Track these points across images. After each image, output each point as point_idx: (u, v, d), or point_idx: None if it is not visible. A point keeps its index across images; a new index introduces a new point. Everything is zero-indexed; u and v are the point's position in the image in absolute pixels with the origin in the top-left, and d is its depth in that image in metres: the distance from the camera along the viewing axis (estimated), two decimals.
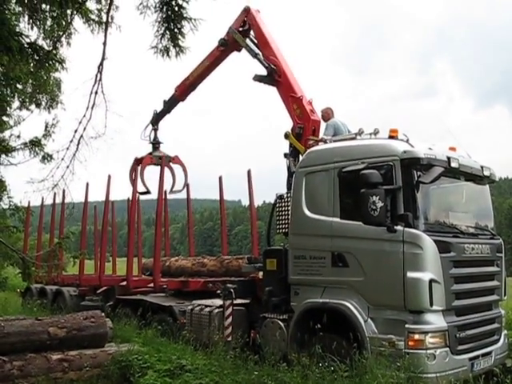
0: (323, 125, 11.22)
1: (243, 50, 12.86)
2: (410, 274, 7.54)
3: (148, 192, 14.47)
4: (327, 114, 11.29)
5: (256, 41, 12.73)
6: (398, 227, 7.73)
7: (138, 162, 14.87)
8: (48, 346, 8.64)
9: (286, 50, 12.36)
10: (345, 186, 8.52)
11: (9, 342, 8.30)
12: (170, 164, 15.40)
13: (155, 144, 14.90)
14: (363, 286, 8.06)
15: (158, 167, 13.87)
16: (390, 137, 8.53)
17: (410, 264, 7.58)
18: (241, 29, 12.79)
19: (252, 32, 12.82)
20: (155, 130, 15.23)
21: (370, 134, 9.22)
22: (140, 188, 14.59)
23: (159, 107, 15.20)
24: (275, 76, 11.86)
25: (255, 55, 12.37)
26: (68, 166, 7.88)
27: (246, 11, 12.73)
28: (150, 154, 14.74)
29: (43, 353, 8.45)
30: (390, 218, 7.78)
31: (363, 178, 7.82)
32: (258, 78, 12.14)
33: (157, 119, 15.28)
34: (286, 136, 11.09)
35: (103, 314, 9.84)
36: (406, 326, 7.47)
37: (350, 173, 8.34)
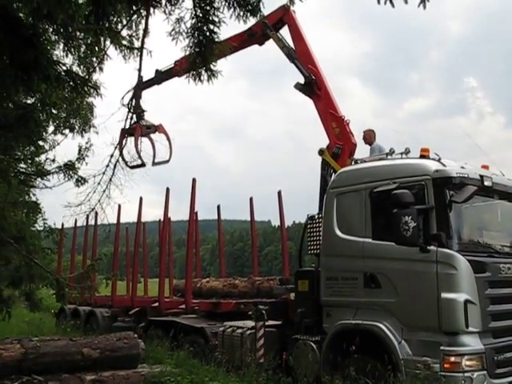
0: (360, 147, 11.13)
1: (266, 46, 12.46)
2: (445, 295, 7.43)
3: (143, 165, 12.28)
4: (369, 137, 11.19)
5: (293, 45, 12.21)
6: (431, 247, 7.64)
7: (127, 132, 12.14)
8: (82, 367, 8.69)
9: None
10: (376, 206, 8.48)
11: (44, 362, 8.38)
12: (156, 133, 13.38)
13: (140, 112, 12.39)
14: (396, 307, 7.97)
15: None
16: (422, 156, 8.48)
17: (444, 285, 7.48)
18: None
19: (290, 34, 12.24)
20: (139, 97, 12.50)
21: (401, 153, 9.18)
22: (132, 161, 12.48)
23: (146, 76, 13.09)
24: (314, 87, 11.62)
25: (294, 59, 11.97)
26: (104, 191, 8.00)
27: (285, 10, 11.89)
28: (138, 122, 12.34)
29: (77, 373, 8.50)
30: (422, 237, 7.70)
31: (395, 198, 7.77)
32: (299, 87, 11.80)
33: (143, 87, 12.84)
34: (321, 152, 10.97)
35: (136, 335, 9.87)
36: (442, 348, 7.34)
37: (382, 193, 8.29)
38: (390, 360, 7.54)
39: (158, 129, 12.77)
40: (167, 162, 13.07)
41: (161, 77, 13.75)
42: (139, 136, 11.65)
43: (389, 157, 9.28)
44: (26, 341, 8.75)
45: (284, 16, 12.11)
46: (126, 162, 10.55)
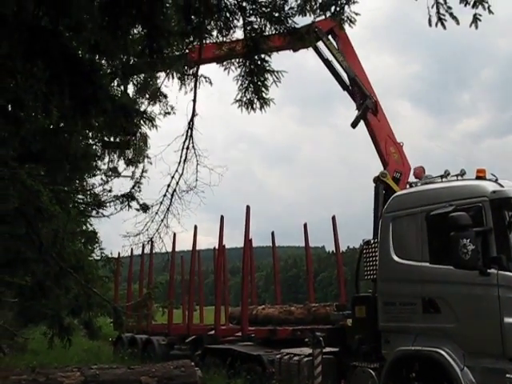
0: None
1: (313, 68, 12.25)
2: (508, 320, 7.18)
3: None
4: (420, 173, 11.11)
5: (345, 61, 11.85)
6: (492, 270, 7.42)
7: None
8: None
9: None
10: (433, 229, 8.31)
11: None
12: None
13: None
14: (457, 332, 7.74)
15: None
16: (478, 177, 8.31)
17: (507, 309, 7.23)
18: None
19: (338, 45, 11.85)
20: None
21: (457, 175, 9.03)
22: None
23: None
24: (372, 110, 11.54)
25: (354, 76, 11.78)
26: (162, 220, 8.13)
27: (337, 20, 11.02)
28: None
29: None
30: (482, 260, 7.48)
31: (452, 220, 7.61)
32: (357, 116, 11.71)
33: None
34: (384, 176, 10.89)
35: (193, 363, 9.91)
36: (507, 375, 7.06)
37: (438, 216, 8.13)
38: None
39: None
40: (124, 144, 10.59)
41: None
42: None
43: (444, 179, 9.12)
44: (85, 369, 8.90)
45: (335, 27, 11.32)
46: None
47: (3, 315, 11.17)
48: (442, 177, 9.24)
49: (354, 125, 12.17)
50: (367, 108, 11.65)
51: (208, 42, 6.48)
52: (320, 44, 12.04)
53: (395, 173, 11.15)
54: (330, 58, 12.24)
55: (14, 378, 8.07)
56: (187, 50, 7.24)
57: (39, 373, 8.37)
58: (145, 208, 10.99)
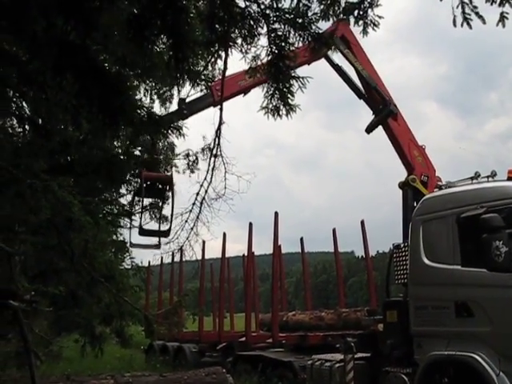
0: None
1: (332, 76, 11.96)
2: None
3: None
4: (436, 182, 11.05)
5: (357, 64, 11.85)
6: None
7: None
8: None
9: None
10: (464, 232, 8.20)
11: None
12: None
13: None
14: (491, 336, 7.62)
15: None
16: (509, 178, 8.21)
17: None
18: None
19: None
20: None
21: (487, 176, 8.92)
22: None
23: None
24: (391, 115, 11.52)
25: (374, 84, 11.83)
26: (192, 228, 8.20)
27: (345, 24, 9.80)
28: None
29: None
30: None
31: (484, 222, 7.52)
32: (374, 121, 11.69)
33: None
34: (413, 181, 10.84)
35: (224, 370, 9.92)
36: None
37: (469, 218, 8.03)
38: None
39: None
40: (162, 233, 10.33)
41: (191, 109, 11.14)
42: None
43: (474, 181, 9.02)
44: (118, 376, 8.97)
45: (346, 33, 11.36)
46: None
47: (39, 324, 11.31)
48: (472, 178, 9.13)
49: (369, 130, 12.12)
50: (391, 113, 11.59)
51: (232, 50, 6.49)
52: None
53: (422, 176, 11.10)
54: (343, 65, 12.16)
55: None
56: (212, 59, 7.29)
57: (74, 380, 8.46)
58: (164, 220, 11.07)
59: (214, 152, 7.32)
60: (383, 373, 9.28)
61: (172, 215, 8.83)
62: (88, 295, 9.94)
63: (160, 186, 9.97)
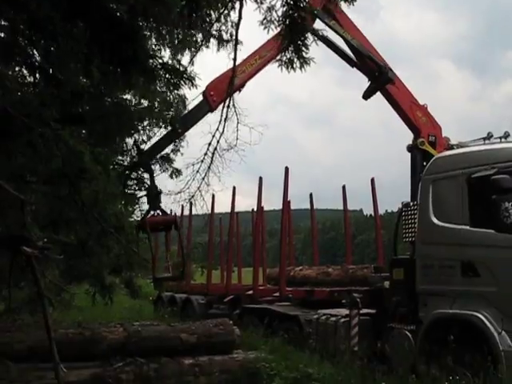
0: None
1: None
2: None
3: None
4: (445, 142, 10.93)
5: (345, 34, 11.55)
6: None
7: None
8: (180, 351, 8.96)
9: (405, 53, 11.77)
10: (474, 192, 8.19)
11: (145, 346, 8.73)
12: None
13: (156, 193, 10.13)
14: (496, 296, 7.69)
15: None
16: None
17: None
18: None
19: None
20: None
21: (500, 137, 8.86)
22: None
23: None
24: (389, 81, 11.32)
25: (367, 52, 11.56)
26: (203, 178, 8.21)
27: None
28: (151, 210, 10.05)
29: (176, 357, 8.79)
30: None
31: (494, 183, 7.50)
32: (371, 87, 11.56)
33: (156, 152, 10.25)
34: (422, 144, 10.76)
35: (231, 322, 10.08)
36: None
37: (480, 179, 8.01)
38: (489, 351, 7.29)
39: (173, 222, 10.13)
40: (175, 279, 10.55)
41: (185, 125, 10.53)
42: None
43: (487, 141, 8.94)
44: (128, 325, 9.15)
45: (328, 3, 10.89)
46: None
47: (51, 272, 11.50)
48: (484, 139, 9.08)
49: (367, 97, 11.93)
50: (389, 81, 11.36)
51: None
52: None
53: (429, 136, 11.01)
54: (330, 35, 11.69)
55: (62, 331, 8.36)
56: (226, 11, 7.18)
57: (85, 327, 8.64)
58: (176, 173, 11.10)
59: (227, 103, 7.27)
60: (387, 329, 9.42)
61: (183, 255, 8.83)
62: (98, 245, 10.04)
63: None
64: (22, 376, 7.43)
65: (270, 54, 10.65)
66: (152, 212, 9.34)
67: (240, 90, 10.53)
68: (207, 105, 10.33)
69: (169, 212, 9.57)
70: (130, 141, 11.66)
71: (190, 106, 10.67)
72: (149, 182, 9.77)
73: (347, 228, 16.97)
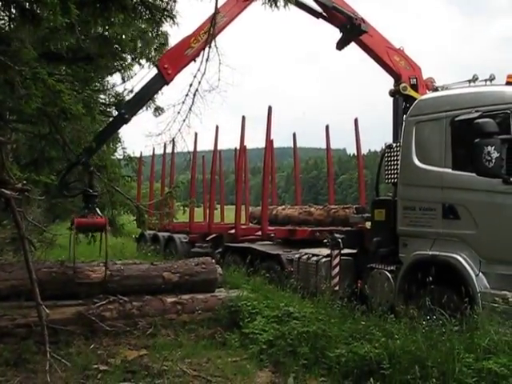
0: None
1: None
2: None
3: None
4: (430, 84, 10.82)
5: None
6: None
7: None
8: (162, 290, 9.11)
9: None
10: (457, 135, 8.18)
11: (128, 284, 8.87)
12: None
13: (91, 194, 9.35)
14: (475, 239, 7.82)
15: None
16: (508, 83, 8.07)
17: None
18: None
19: None
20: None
21: (485, 80, 8.80)
22: None
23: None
24: (362, 32, 11.03)
25: (332, 5, 11.19)
26: (184, 120, 8.10)
27: None
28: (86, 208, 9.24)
29: (158, 295, 8.94)
30: (505, 169, 7.42)
31: (477, 127, 7.49)
32: (344, 38, 11.32)
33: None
34: (405, 89, 10.67)
35: (213, 261, 10.20)
36: None
37: (463, 122, 7.99)
38: (466, 292, 7.44)
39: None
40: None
41: (133, 108, 9.96)
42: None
43: (472, 84, 8.88)
44: (110, 264, 9.24)
45: None
46: None
47: (32, 212, 11.47)
48: (469, 81, 9.01)
49: (341, 47, 11.67)
50: (362, 32, 11.08)
51: None
52: None
53: (411, 79, 10.90)
54: None
55: (45, 270, 8.43)
56: None
57: (68, 266, 8.71)
58: (159, 111, 10.94)
59: (209, 43, 7.11)
60: (368, 269, 9.58)
61: (106, 262, 8.63)
62: (80, 184, 10.01)
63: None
64: (6, 314, 7.52)
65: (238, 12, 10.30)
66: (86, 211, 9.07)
67: (195, 60, 9.71)
68: (162, 78, 9.86)
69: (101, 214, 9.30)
70: (111, 79, 11.48)
71: (172, 43, 10.41)
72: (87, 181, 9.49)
73: (330, 167, 17.00)
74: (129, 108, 9.62)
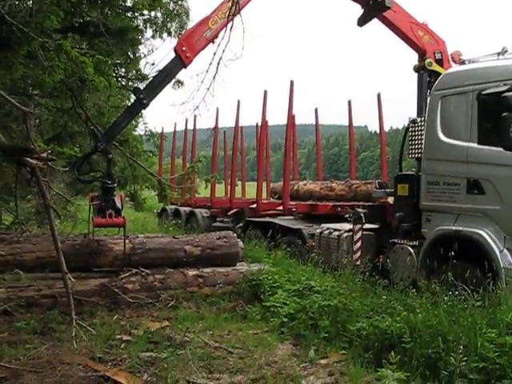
0: None
1: None
2: None
3: None
4: (457, 57, 10.56)
5: None
6: None
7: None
8: (184, 263, 9.19)
9: None
10: (484, 109, 8.01)
11: (150, 257, 8.95)
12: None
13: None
14: (500, 214, 7.70)
15: None
16: None
17: None
18: None
19: None
20: None
21: None
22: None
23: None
24: (384, 6, 10.86)
25: None
26: (208, 88, 8.05)
27: None
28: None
29: (180, 268, 9.00)
30: None
31: (505, 100, 7.34)
32: (366, 14, 11.14)
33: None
34: (430, 64, 10.50)
35: (235, 235, 10.22)
36: None
37: (491, 95, 7.82)
38: (490, 268, 7.37)
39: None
40: None
41: (152, 93, 9.75)
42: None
43: (501, 57, 8.68)
44: (133, 237, 9.32)
45: None
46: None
47: (56, 185, 11.55)
48: (498, 54, 8.78)
49: (363, 23, 11.46)
50: (387, 9, 10.86)
51: None
52: None
53: (436, 54, 10.71)
54: None
55: (69, 243, 8.54)
56: None
57: (91, 239, 8.81)
58: (179, 84, 10.88)
59: (233, 11, 7.02)
60: (390, 244, 9.51)
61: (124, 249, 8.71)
62: (102, 158, 10.07)
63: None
64: (32, 284, 7.65)
65: None
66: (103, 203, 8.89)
67: (214, 42, 9.64)
68: (180, 62, 9.70)
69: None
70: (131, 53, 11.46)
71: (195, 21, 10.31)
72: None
73: (352, 144, 16.87)
74: (147, 93, 9.57)
